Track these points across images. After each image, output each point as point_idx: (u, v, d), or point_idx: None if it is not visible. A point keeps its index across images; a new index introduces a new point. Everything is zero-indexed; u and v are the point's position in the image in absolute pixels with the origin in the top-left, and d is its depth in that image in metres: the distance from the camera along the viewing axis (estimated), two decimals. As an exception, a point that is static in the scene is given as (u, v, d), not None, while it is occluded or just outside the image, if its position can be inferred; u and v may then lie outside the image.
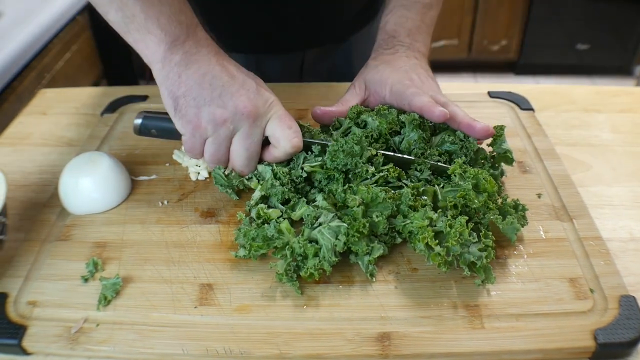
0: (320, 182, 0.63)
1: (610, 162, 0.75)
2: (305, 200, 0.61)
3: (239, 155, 0.60)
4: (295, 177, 0.62)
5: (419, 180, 0.63)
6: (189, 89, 0.57)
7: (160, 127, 0.64)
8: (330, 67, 1.00)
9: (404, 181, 0.63)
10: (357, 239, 0.54)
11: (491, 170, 0.64)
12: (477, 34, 3.04)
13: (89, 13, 1.84)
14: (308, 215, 0.58)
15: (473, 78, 3.18)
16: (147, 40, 0.57)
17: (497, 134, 0.66)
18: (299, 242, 0.54)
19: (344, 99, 0.73)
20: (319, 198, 0.60)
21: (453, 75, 3.14)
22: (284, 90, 0.88)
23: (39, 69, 1.50)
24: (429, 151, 0.65)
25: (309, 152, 0.65)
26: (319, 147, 0.64)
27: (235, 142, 0.60)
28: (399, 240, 0.58)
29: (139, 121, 0.65)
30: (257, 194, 0.63)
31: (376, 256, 0.55)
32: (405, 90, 0.68)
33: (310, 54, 0.98)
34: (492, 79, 3.16)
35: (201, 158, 0.62)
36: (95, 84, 1.90)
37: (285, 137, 0.60)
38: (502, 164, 0.67)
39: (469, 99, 0.85)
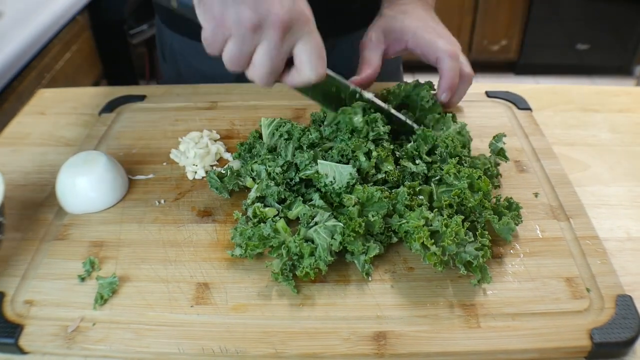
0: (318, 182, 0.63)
1: (608, 161, 0.74)
2: (302, 199, 0.61)
3: (261, 65, 0.55)
4: (289, 180, 0.62)
5: (414, 180, 0.63)
6: None
7: (183, 1, 0.57)
8: (334, 65, 1.00)
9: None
10: (352, 239, 0.54)
11: (493, 157, 0.66)
12: (477, 34, 3.04)
13: (89, 13, 1.84)
14: (304, 214, 0.58)
15: (473, 78, 3.18)
16: None
17: (498, 135, 0.69)
18: (294, 242, 0.54)
19: (367, 59, 0.72)
20: (316, 197, 0.60)
21: (453, 75, 3.14)
22: (282, 89, 0.89)
23: (39, 69, 1.50)
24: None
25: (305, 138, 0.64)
26: (313, 136, 0.64)
27: (259, 51, 0.54)
28: (395, 239, 0.58)
29: None
30: (253, 194, 0.63)
31: (372, 255, 0.55)
32: (435, 40, 0.68)
33: None
34: (492, 79, 3.16)
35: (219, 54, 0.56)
36: (95, 84, 1.90)
37: (312, 64, 0.55)
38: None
39: (467, 99, 0.84)
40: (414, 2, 0.76)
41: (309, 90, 0.62)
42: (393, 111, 0.68)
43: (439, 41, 0.69)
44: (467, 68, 0.71)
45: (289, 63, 0.57)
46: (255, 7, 0.51)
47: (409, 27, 0.71)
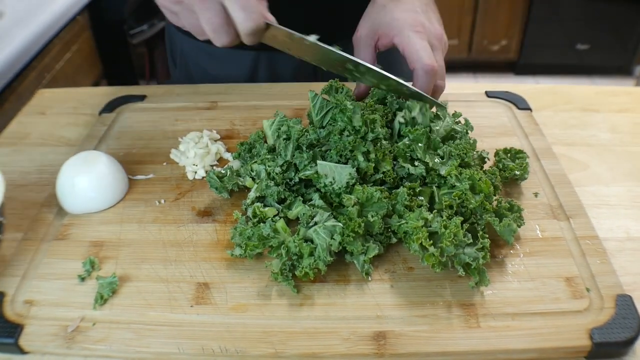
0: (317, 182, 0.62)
1: (608, 161, 0.74)
2: (302, 199, 0.61)
3: (206, 29, 0.59)
4: (288, 180, 0.62)
5: (414, 180, 0.63)
6: None
7: None
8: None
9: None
10: (352, 239, 0.54)
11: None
12: (477, 34, 3.04)
13: (89, 13, 1.84)
14: (304, 214, 0.58)
15: (473, 78, 3.18)
16: None
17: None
18: (294, 242, 0.54)
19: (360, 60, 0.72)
20: (315, 197, 0.60)
21: (453, 75, 3.14)
22: (282, 90, 0.89)
23: (39, 69, 1.50)
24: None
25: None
26: (310, 138, 0.64)
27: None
28: (394, 240, 0.58)
29: None
30: (252, 193, 0.63)
31: (371, 256, 0.55)
32: (418, 48, 0.65)
33: None
34: (492, 79, 3.16)
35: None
36: (95, 84, 1.90)
37: (239, 19, 0.57)
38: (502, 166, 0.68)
39: (467, 99, 0.85)
40: None
41: (291, 48, 0.63)
42: (383, 72, 0.66)
43: (422, 50, 0.65)
44: (441, 79, 0.69)
45: None
46: None
47: (397, 20, 0.68)
